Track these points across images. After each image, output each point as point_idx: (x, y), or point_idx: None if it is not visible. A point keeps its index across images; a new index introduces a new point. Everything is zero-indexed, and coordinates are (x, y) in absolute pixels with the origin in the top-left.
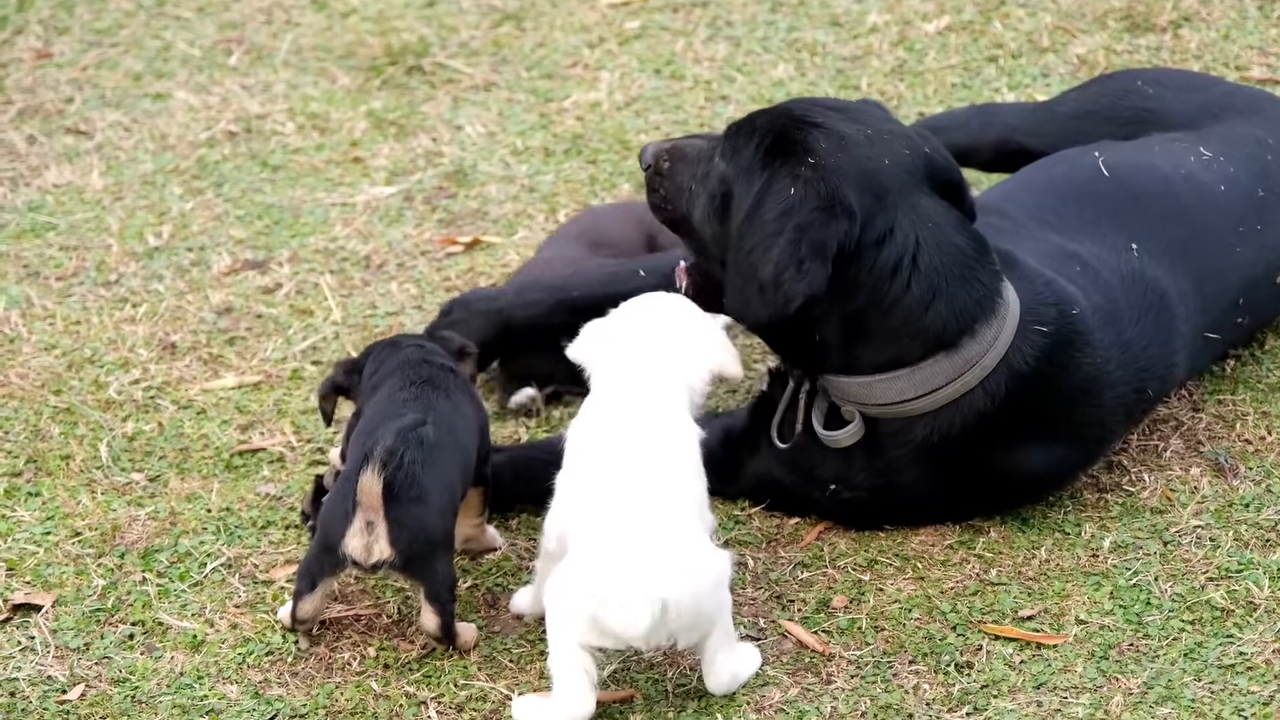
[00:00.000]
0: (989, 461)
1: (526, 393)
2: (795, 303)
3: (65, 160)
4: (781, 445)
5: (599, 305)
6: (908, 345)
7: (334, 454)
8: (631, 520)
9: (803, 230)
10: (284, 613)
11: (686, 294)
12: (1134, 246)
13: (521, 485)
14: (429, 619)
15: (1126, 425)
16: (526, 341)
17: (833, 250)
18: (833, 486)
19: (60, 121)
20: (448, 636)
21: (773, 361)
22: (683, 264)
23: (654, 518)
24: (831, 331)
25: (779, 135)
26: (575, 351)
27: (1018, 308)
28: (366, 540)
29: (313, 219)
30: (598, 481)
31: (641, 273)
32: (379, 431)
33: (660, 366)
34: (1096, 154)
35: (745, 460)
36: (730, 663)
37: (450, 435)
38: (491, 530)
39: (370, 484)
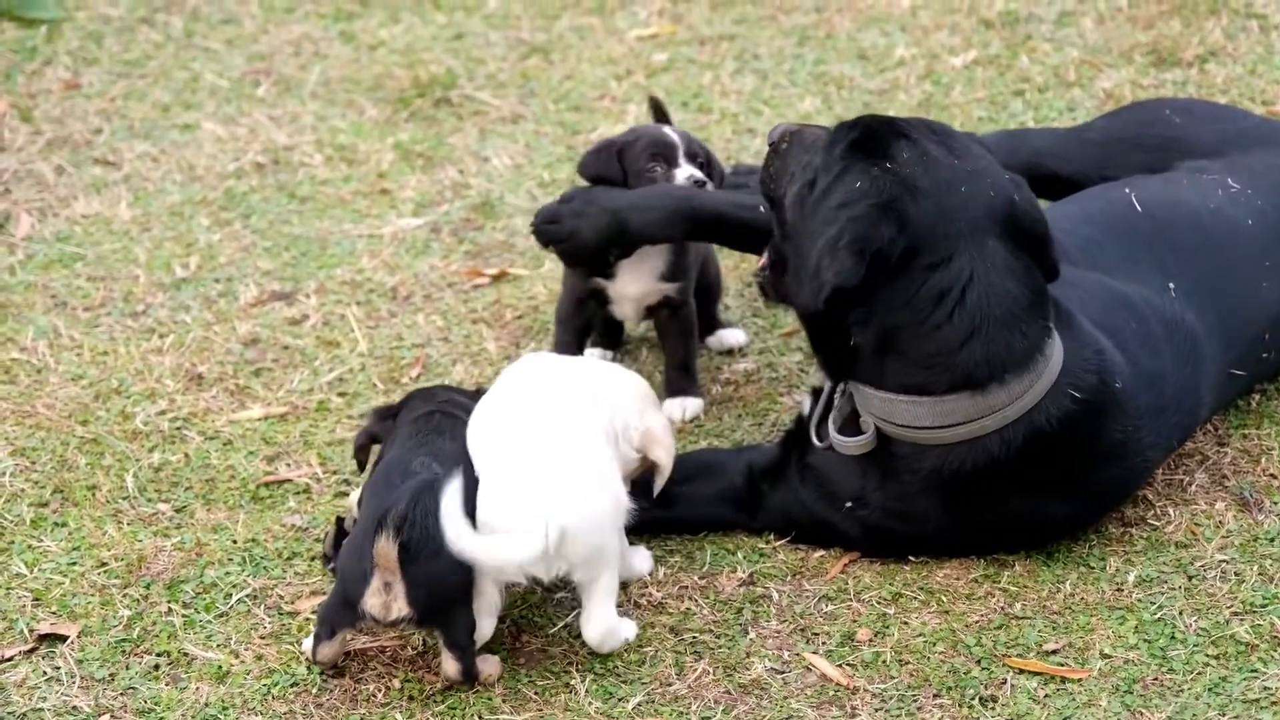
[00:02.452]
0: (1003, 504)
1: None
2: (824, 292)
3: (93, 191)
4: (819, 444)
5: (716, 223)
6: (936, 375)
7: (353, 498)
8: (535, 459)
9: (851, 222)
10: (307, 645)
11: (761, 271)
12: (1171, 286)
13: None
14: (449, 665)
15: (1149, 475)
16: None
17: (870, 250)
18: (849, 504)
19: (89, 152)
20: (469, 679)
21: (813, 380)
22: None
23: (556, 459)
24: (866, 340)
25: (870, 133)
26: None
27: (1058, 367)
28: (385, 600)
29: (340, 250)
30: (506, 431)
31: (763, 207)
32: (394, 494)
33: (594, 388)
34: (1128, 190)
35: (768, 493)
36: (608, 616)
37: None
38: None
39: (386, 549)
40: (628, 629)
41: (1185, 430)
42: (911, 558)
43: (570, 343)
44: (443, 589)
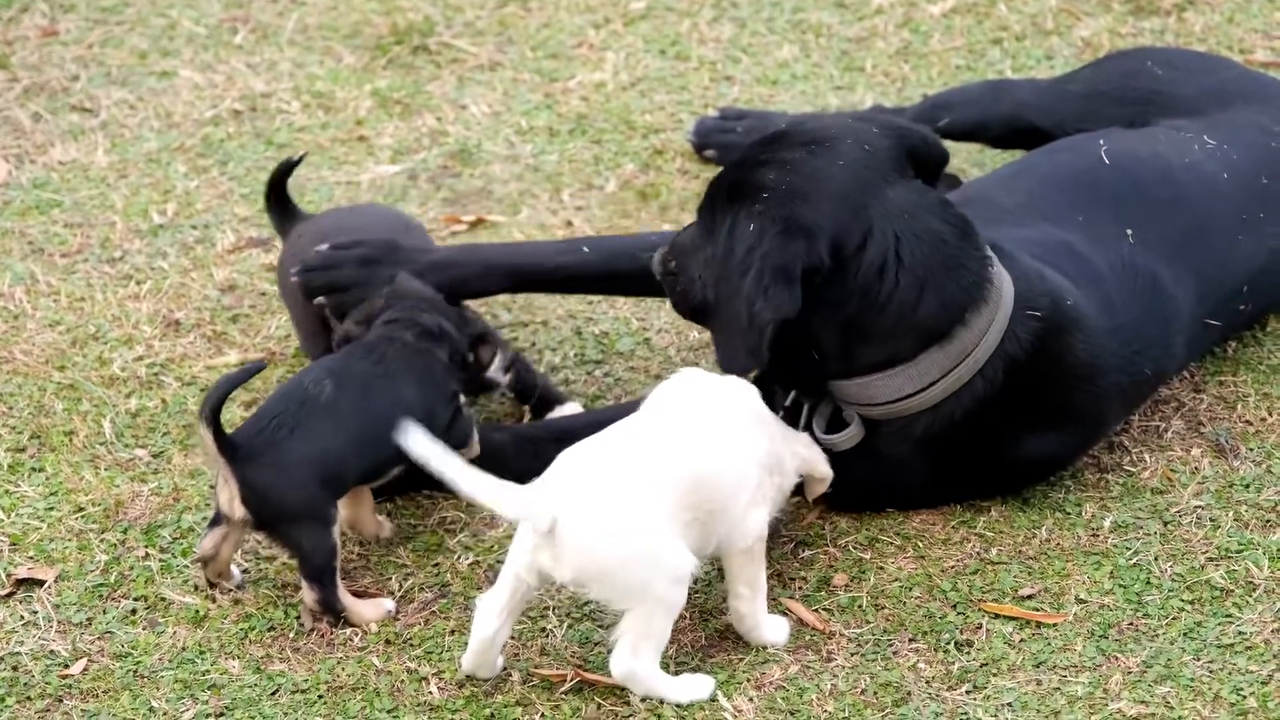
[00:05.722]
0: (988, 448)
1: (570, 407)
2: (768, 333)
3: (70, 137)
4: None
5: (538, 273)
6: (902, 341)
7: None
8: (609, 476)
9: (765, 259)
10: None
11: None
12: (1129, 233)
13: (525, 461)
14: (305, 594)
15: (1125, 409)
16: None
17: (797, 271)
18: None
19: (66, 99)
20: (328, 610)
21: None
22: None
23: (632, 488)
24: (830, 342)
25: (732, 185)
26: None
27: (1011, 292)
28: (229, 495)
29: (318, 197)
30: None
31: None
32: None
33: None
34: (1101, 142)
35: None
36: (633, 656)
37: (357, 404)
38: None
39: (203, 434)
40: (668, 687)
41: (1156, 364)
42: (888, 508)
43: None
44: (277, 501)
